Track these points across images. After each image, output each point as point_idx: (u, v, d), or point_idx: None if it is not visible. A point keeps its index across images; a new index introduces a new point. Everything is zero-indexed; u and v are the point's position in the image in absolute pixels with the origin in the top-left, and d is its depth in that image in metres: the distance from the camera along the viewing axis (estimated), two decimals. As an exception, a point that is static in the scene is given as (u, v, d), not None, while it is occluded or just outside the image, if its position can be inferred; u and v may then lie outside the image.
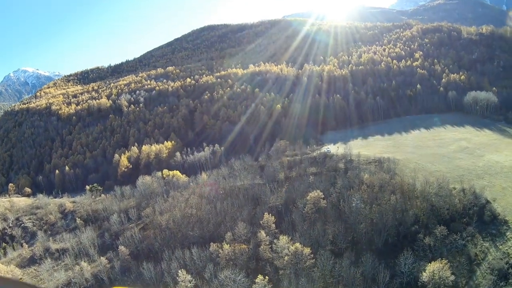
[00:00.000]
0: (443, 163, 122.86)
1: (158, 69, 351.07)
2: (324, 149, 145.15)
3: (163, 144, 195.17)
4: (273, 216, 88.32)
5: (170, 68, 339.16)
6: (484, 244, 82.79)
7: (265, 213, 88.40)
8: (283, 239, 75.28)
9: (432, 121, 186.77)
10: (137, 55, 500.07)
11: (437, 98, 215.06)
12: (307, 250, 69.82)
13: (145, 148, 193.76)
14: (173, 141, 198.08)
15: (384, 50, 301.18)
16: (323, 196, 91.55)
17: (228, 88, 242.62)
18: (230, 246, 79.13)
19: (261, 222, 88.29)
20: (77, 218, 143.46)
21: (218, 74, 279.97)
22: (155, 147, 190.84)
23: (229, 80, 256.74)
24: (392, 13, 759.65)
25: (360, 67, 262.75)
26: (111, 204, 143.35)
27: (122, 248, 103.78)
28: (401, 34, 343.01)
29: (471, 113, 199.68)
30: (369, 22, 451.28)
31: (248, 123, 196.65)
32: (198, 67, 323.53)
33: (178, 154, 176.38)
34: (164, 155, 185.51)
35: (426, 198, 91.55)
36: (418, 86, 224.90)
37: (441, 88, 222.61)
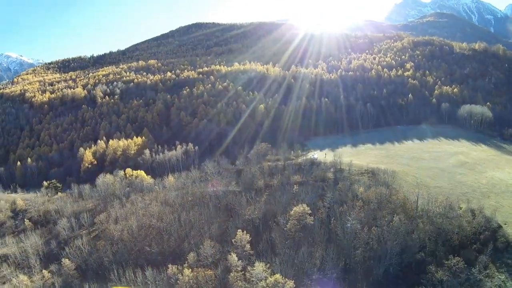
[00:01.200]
0: (444, 178, 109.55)
1: (140, 61, 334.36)
2: (310, 155, 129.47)
3: (137, 139, 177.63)
4: (248, 234, 70.57)
5: (152, 62, 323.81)
6: (500, 276, 68.66)
7: (238, 230, 70.51)
8: (260, 267, 58.21)
9: (425, 132, 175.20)
10: (122, 48, 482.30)
11: (429, 109, 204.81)
12: (290, 284, 53.44)
13: (112, 143, 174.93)
14: (143, 137, 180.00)
15: (374, 58, 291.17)
16: (309, 211, 74.61)
17: (210, 85, 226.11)
18: (192, 271, 61.90)
19: (233, 240, 70.94)
20: (25, 219, 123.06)
21: (201, 70, 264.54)
22: (122, 143, 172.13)
23: (211, 77, 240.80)
24: (382, 26, 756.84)
25: (350, 73, 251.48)
26: (65, 205, 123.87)
27: (66, 261, 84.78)
28: (392, 44, 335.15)
29: (465, 127, 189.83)
30: (360, 32, 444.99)
31: (228, 122, 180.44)
32: (181, 62, 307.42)
33: (146, 151, 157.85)
34: (132, 151, 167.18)
35: (430, 219, 77.09)
36: (410, 96, 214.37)
37: (434, 100, 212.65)
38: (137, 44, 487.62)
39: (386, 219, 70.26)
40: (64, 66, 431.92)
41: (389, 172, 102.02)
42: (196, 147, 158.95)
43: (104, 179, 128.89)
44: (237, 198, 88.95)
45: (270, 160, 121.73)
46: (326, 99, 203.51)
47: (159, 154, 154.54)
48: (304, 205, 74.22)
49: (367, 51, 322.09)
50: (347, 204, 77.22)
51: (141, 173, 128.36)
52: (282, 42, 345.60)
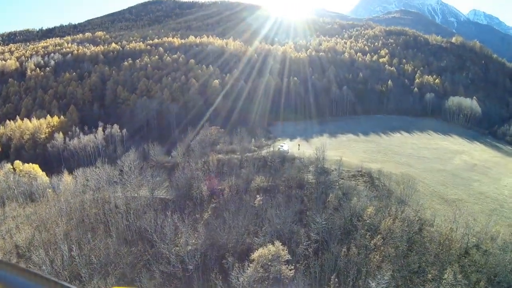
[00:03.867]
0: (459, 186, 79.63)
1: (86, 33, 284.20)
2: (278, 146, 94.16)
3: (52, 118, 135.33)
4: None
5: (99, 33, 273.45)
6: None
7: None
8: None
9: (409, 123, 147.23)
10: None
11: (411, 99, 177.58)
12: None
13: (19, 123, 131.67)
14: (62, 117, 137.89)
15: (345, 43, 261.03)
16: (287, 255, 38.35)
17: (156, 56, 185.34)
18: None
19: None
20: None
21: (151, 42, 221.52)
22: (32, 124, 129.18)
23: (160, 48, 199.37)
24: (348, 19, 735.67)
25: (321, 53, 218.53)
26: None
27: None
28: (363, 32, 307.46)
29: (451, 121, 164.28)
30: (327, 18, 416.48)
31: (173, 100, 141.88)
32: (131, 35, 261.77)
33: (59, 135, 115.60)
34: (43, 135, 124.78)
35: (482, 264, 45.76)
36: (390, 82, 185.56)
37: (416, 89, 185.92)
38: (91, 20, 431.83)
39: (430, 274, 36.83)
40: (10, 39, 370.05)
41: (396, 177, 69.12)
42: (124, 130, 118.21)
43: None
44: (158, 217, 50.06)
45: (222, 152, 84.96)
46: (296, 78, 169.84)
47: (73, 139, 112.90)
48: (278, 244, 37.93)
49: (336, 36, 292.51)
50: (355, 241, 42.13)
51: (34, 167, 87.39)
52: (246, 22, 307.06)
